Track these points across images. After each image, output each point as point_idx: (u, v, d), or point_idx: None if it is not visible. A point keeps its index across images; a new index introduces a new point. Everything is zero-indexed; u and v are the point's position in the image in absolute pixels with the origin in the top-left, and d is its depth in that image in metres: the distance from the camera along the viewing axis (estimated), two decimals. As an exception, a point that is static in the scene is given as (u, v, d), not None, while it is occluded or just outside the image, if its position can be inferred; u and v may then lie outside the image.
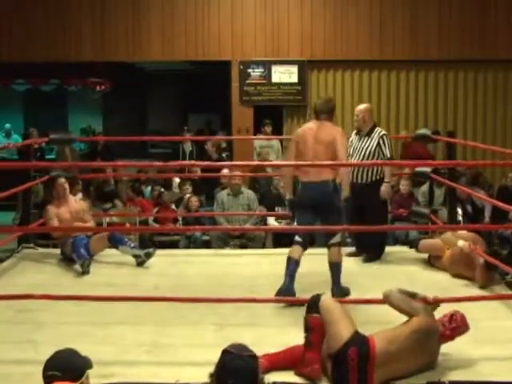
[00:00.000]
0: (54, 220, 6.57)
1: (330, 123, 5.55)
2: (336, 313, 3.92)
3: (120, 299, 4.93)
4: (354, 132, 6.79)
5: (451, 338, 4.09)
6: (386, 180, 6.51)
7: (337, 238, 5.44)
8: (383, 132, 6.66)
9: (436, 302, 4.28)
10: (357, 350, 3.74)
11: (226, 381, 2.60)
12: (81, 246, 6.29)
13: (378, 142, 6.52)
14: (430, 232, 8.25)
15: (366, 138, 6.57)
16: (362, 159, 6.52)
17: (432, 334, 3.99)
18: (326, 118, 5.55)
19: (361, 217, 6.47)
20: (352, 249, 6.89)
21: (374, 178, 6.52)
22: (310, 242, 6.47)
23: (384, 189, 6.49)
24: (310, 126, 5.60)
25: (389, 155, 6.53)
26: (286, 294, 5.16)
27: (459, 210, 8.37)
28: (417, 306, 4.08)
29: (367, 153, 6.53)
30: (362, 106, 6.80)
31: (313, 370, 3.85)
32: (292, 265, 5.38)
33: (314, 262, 6.44)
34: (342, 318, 3.90)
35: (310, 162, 5.34)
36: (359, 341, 3.80)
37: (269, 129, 10.94)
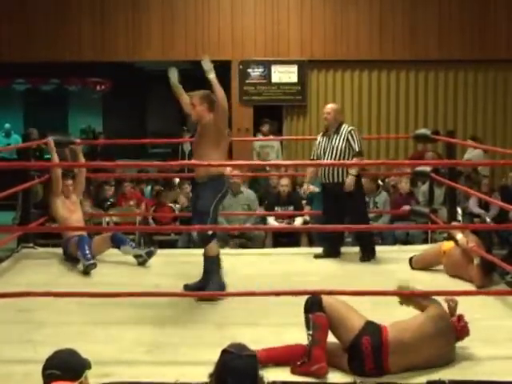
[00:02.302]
0: (64, 210, 6.60)
1: None
2: (342, 308, 4.02)
3: (119, 295, 4.94)
4: (320, 134, 6.83)
5: (461, 335, 4.13)
6: (351, 173, 6.47)
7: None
8: (351, 127, 6.71)
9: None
10: (370, 338, 3.88)
11: (226, 380, 2.60)
12: (86, 244, 6.27)
13: (347, 138, 6.56)
14: (430, 231, 8.28)
15: (335, 136, 6.60)
16: (334, 158, 6.55)
17: (448, 320, 4.07)
18: None
19: (339, 216, 6.52)
20: (353, 248, 6.92)
21: (346, 175, 6.53)
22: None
23: (348, 181, 6.47)
24: None
25: (357, 149, 6.56)
26: (222, 289, 5.34)
27: (459, 210, 8.39)
28: (431, 298, 4.16)
29: (338, 151, 6.55)
30: (331, 105, 6.87)
31: (320, 367, 3.90)
32: (219, 261, 5.51)
33: (304, 262, 6.51)
34: (349, 311, 4.02)
35: (314, 162, 5.33)
36: (372, 329, 3.93)
37: (265, 128, 10.89)
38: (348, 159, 6.53)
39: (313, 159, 6.89)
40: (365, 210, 6.93)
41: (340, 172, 6.51)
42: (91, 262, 6.09)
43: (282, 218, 8.71)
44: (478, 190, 8.84)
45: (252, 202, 8.71)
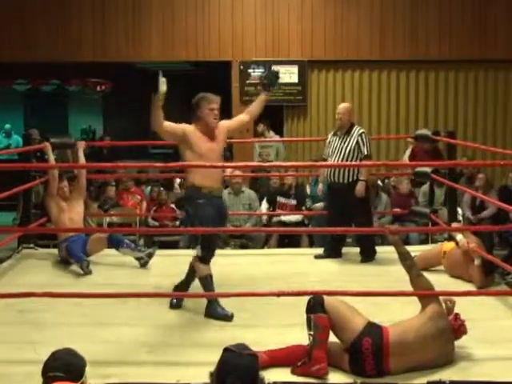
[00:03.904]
0: (56, 209, 6.61)
1: None
2: (344, 309, 4.02)
3: (120, 296, 4.94)
4: (332, 133, 6.83)
5: (458, 334, 4.13)
6: (361, 178, 6.51)
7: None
8: (362, 130, 6.71)
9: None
10: (371, 339, 3.88)
11: (226, 378, 2.60)
12: (76, 249, 6.31)
13: (357, 141, 6.56)
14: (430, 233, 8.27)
15: (346, 137, 6.61)
16: (342, 159, 6.55)
17: (447, 318, 4.08)
18: None
19: (343, 216, 6.51)
20: (354, 249, 6.92)
21: (354, 177, 6.53)
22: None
23: (358, 187, 6.49)
24: None
25: (366, 153, 6.57)
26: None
27: (459, 210, 8.38)
28: (430, 297, 4.19)
29: (347, 152, 6.56)
30: (345, 105, 6.87)
31: (320, 368, 3.91)
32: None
33: (304, 262, 6.50)
34: (351, 312, 4.03)
35: (317, 163, 5.31)
36: (373, 331, 3.93)
37: (260, 128, 10.68)
38: (356, 161, 6.53)
39: (324, 159, 6.91)
40: (369, 212, 6.91)
41: (347, 173, 6.51)
42: (84, 260, 6.14)
43: (283, 209, 8.66)
44: (472, 185, 8.83)
45: (253, 201, 8.72)
